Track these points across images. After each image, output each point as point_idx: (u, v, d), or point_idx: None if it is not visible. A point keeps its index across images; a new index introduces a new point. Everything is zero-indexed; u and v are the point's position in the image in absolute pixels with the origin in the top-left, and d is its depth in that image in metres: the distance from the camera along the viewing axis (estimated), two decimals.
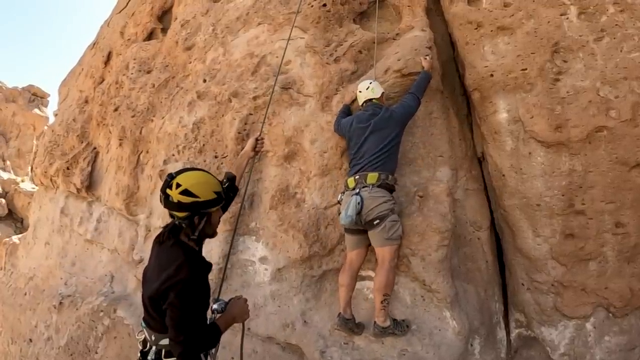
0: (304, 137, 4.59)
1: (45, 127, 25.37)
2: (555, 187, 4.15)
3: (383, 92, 4.37)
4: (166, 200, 2.56)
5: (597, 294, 4.24)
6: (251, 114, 4.77)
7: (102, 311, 5.59)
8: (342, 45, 4.83)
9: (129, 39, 7.48)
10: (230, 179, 3.19)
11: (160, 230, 2.76)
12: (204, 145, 5.00)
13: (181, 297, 2.39)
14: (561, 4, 4.34)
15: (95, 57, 8.33)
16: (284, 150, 4.60)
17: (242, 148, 4.66)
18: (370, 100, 4.27)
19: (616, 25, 4.17)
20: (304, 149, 4.58)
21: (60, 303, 6.41)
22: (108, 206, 6.40)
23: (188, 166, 3.19)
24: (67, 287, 6.67)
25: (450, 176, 4.46)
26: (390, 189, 4.02)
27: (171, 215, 2.65)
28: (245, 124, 4.74)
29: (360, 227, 3.96)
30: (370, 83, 4.33)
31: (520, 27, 4.37)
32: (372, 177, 3.92)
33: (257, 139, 4.00)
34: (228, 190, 3.17)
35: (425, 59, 4.44)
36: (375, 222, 3.85)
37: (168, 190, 2.54)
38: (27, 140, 28.29)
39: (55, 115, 9.70)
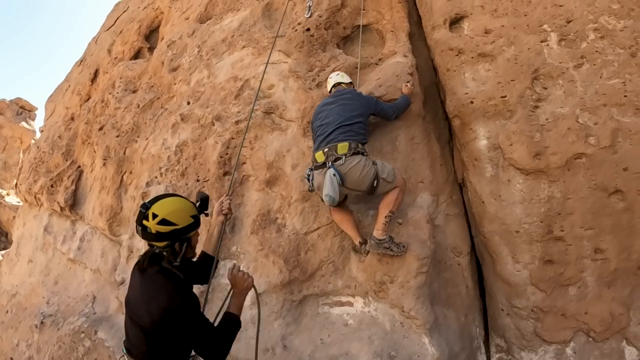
0: (286, 162, 4.61)
1: (32, 142, 25.14)
2: (534, 213, 4.17)
3: (351, 83, 4.52)
4: (144, 232, 2.52)
5: (577, 318, 4.27)
6: (233, 138, 4.77)
7: (83, 332, 5.54)
8: (324, 70, 4.88)
9: (116, 57, 7.52)
10: (203, 199, 2.96)
11: (140, 257, 2.71)
12: (186, 168, 4.99)
13: (189, 321, 2.41)
14: (542, 30, 4.39)
15: (82, 74, 8.35)
16: (266, 175, 4.60)
17: (224, 172, 4.67)
18: (339, 84, 4.43)
19: (596, 51, 4.21)
20: (286, 174, 4.58)
21: (42, 322, 6.34)
22: (91, 225, 6.36)
23: (160, 193, 3.03)
24: (49, 306, 6.60)
25: (430, 202, 4.48)
26: (362, 153, 3.88)
27: (150, 245, 2.61)
28: (228, 147, 4.75)
29: (343, 197, 3.97)
30: (339, 73, 4.52)
31: (501, 53, 4.41)
32: (342, 147, 3.79)
33: (221, 202, 3.45)
34: (203, 261, 3.13)
35: (407, 85, 4.49)
36: (375, 185, 3.77)
37: (145, 222, 2.50)
38: (14, 154, 28.03)
39: (42, 131, 9.67)
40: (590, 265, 4.19)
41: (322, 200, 3.89)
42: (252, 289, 2.99)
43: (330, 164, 3.76)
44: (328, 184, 3.63)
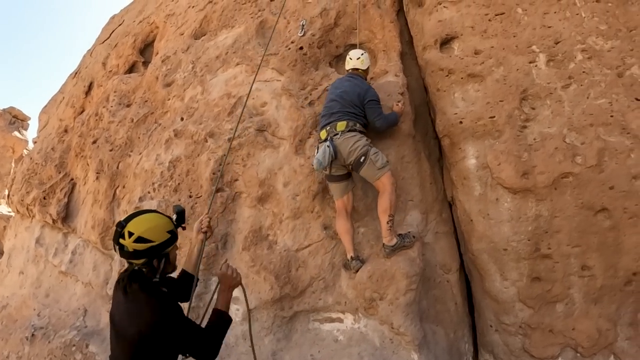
0: (277, 179, 4.65)
1: (25, 152, 24.88)
2: (522, 232, 4.22)
3: (369, 65, 4.75)
4: (121, 251, 2.55)
5: (564, 334, 4.31)
6: (225, 155, 4.81)
7: (74, 345, 5.53)
8: (317, 89, 4.94)
9: (110, 71, 7.54)
10: (179, 212, 2.97)
11: (120, 274, 2.73)
12: (179, 184, 5.01)
13: (177, 330, 2.43)
14: (530, 51, 4.44)
15: (76, 87, 8.36)
16: (258, 192, 4.64)
17: (217, 188, 4.70)
18: (356, 69, 4.69)
19: (584, 72, 4.27)
20: (277, 191, 4.62)
21: (33, 335, 6.31)
22: (83, 239, 6.35)
23: (135, 210, 3.03)
24: (40, 319, 6.57)
25: (419, 220, 4.54)
26: (360, 132, 4.28)
27: (129, 262, 2.64)
28: (220, 164, 4.78)
29: (343, 171, 4.29)
30: (362, 54, 4.71)
31: (490, 74, 4.47)
32: (340, 125, 4.22)
33: (201, 220, 3.50)
34: (182, 279, 3.17)
35: (397, 104, 4.57)
36: (361, 160, 4.12)
37: (121, 241, 2.53)
38: (6, 163, 27.69)
39: (35, 142, 9.66)
40: (577, 282, 4.24)
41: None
42: (240, 287, 3.02)
43: (329, 138, 4.19)
44: (321, 151, 4.13)
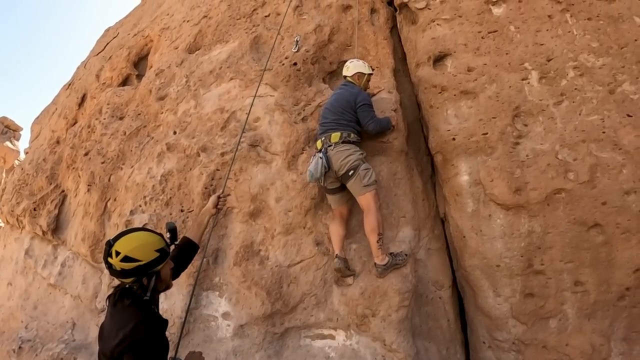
0: (270, 195, 4.63)
1: (16, 163, 24.80)
2: (515, 248, 4.23)
3: (358, 73, 4.68)
4: (110, 269, 2.53)
5: (558, 350, 4.29)
6: (218, 170, 4.79)
7: (62, 359, 5.47)
8: (310, 104, 4.95)
9: (104, 83, 7.51)
10: (172, 229, 3.02)
11: (112, 290, 2.72)
12: (170, 198, 4.98)
13: (137, 357, 2.37)
14: (523, 68, 4.50)
15: (69, 98, 8.31)
16: (250, 207, 4.62)
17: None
18: (345, 77, 4.75)
19: (575, 89, 4.32)
20: (269, 206, 4.61)
21: (20, 347, 6.22)
22: (73, 251, 6.28)
23: (128, 227, 3.11)
24: (28, 331, 6.49)
25: (412, 237, 4.52)
26: (354, 143, 4.33)
27: (120, 280, 2.61)
28: (212, 179, 4.77)
29: (337, 184, 4.31)
30: (350, 62, 4.74)
31: (483, 91, 4.51)
32: (335, 136, 4.27)
33: (219, 197, 4.04)
34: (185, 248, 3.19)
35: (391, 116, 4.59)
36: (350, 174, 4.15)
37: (109, 259, 2.51)
38: None
39: (26, 152, 9.60)
40: (570, 297, 4.24)
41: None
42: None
43: (324, 149, 4.25)
44: (313, 163, 4.22)
